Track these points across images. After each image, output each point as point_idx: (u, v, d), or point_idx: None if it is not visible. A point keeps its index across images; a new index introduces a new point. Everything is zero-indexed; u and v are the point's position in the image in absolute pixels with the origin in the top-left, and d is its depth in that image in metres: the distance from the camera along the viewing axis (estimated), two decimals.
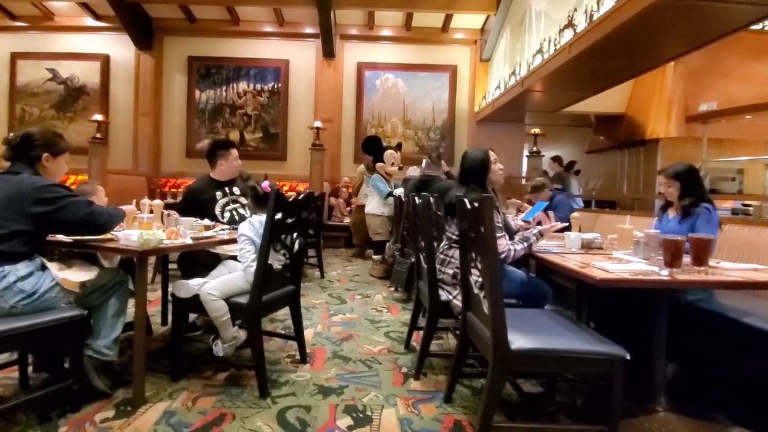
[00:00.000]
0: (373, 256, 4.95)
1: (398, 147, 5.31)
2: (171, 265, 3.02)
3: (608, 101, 6.97)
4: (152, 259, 3.69)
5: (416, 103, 7.58)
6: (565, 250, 2.19)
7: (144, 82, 7.55)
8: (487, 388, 1.51)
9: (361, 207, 5.43)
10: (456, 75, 7.56)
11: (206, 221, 2.54)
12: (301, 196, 2.23)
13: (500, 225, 2.12)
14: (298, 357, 2.40)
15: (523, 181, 7.04)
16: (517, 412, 1.93)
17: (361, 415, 1.84)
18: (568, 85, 5.15)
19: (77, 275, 1.83)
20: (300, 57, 7.58)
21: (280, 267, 2.17)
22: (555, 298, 2.45)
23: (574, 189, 6.80)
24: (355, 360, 2.44)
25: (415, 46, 7.58)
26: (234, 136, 7.49)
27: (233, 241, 2.25)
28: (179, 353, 2.21)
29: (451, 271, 2.21)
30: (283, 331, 2.84)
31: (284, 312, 2.56)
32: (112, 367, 2.01)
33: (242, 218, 2.73)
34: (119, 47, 7.50)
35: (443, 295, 2.18)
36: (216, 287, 2.03)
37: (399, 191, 4.70)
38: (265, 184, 2.26)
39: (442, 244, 2.34)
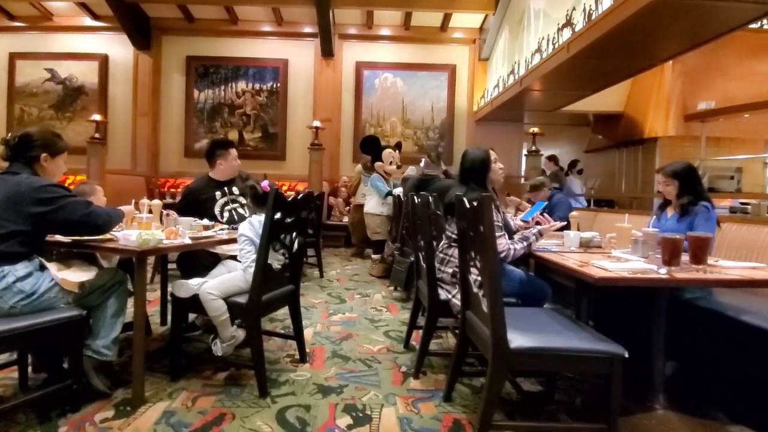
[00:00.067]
0: (373, 256, 4.95)
1: (398, 147, 5.31)
2: (170, 265, 3.02)
3: (607, 100, 6.98)
4: (151, 259, 3.69)
5: (415, 102, 7.58)
6: (564, 248, 2.19)
7: (142, 81, 7.54)
8: (487, 387, 1.51)
9: (359, 206, 5.43)
10: (455, 74, 7.56)
11: (205, 221, 2.55)
12: (300, 195, 2.23)
13: (500, 224, 2.13)
14: (297, 356, 2.40)
15: (522, 181, 7.04)
16: (517, 410, 1.94)
17: (360, 415, 1.84)
18: (567, 84, 5.16)
19: (76, 275, 1.83)
20: (299, 56, 7.57)
21: (280, 266, 2.17)
22: (554, 297, 2.45)
23: (576, 188, 6.82)
24: (355, 359, 2.44)
25: (413, 45, 7.57)
26: (233, 135, 7.48)
27: (232, 240, 2.26)
28: (179, 353, 2.21)
29: (450, 270, 2.21)
30: (282, 331, 2.84)
31: (284, 311, 2.56)
32: (112, 367, 2.01)
33: (241, 218, 2.73)
34: (118, 47, 7.48)
35: (442, 294, 2.18)
36: (215, 287, 2.03)
37: (398, 190, 4.71)
38: (265, 183, 2.27)
39: (441, 243, 2.34)
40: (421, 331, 2.32)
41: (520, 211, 4.10)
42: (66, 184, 1.91)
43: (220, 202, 2.83)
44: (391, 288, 4.16)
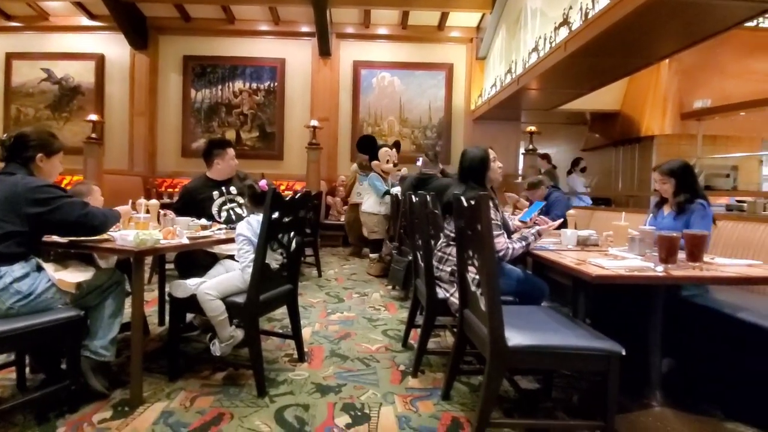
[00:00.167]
0: (370, 255, 4.95)
1: (397, 146, 5.31)
2: (168, 265, 3.02)
3: (603, 99, 7.00)
4: (149, 259, 3.68)
5: (412, 101, 7.58)
6: (561, 247, 2.20)
7: (139, 81, 7.51)
8: (485, 385, 1.52)
9: (355, 206, 5.43)
10: (452, 73, 7.56)
11: (203, 221, 2.54)
12: (298, 195, 2.23)
13: (498, 223, 2.14)
14: (295, 356, 2.40)
15: (520, 179, 7.05)
16: (514, 408, 1.95)
17: (359, 413, 1.84)
18: (564, 82, 5.16)
19: (73, 276, 1.83)
20: (296, 56, 7.55)
21: (278, 266, 2.17)
22: (551, 295, 2.46)
23: (580, 187, 6.83)
24: (353, 358, 2.44)
25: (411, 44, 7.57)
26: (230, 135, 7.46)
27: (230, 240, 2.25)
28: (176, 353, 2.21)
29: (448, 269, 2.22)
30: (280, 330, 2.84)
31: (282, 311, 2.56)
32: (110, 368, 2.01)
33: (239, 218, 2.73)
34: (114, 47, 7.45)
35: (440, 293, 2.18)
36: (213, 287, 2.03)
37: (396, 189, 4.71)
38: (262, 183, 2.27)
39: (439, 242, 2.35)
40: (419, 330, 2.32)
41: (517, 209, 4.12)
42: (63, 185, 1.91)
43: (218, 201, 2.83)
44: (390, 287, 4.17)
